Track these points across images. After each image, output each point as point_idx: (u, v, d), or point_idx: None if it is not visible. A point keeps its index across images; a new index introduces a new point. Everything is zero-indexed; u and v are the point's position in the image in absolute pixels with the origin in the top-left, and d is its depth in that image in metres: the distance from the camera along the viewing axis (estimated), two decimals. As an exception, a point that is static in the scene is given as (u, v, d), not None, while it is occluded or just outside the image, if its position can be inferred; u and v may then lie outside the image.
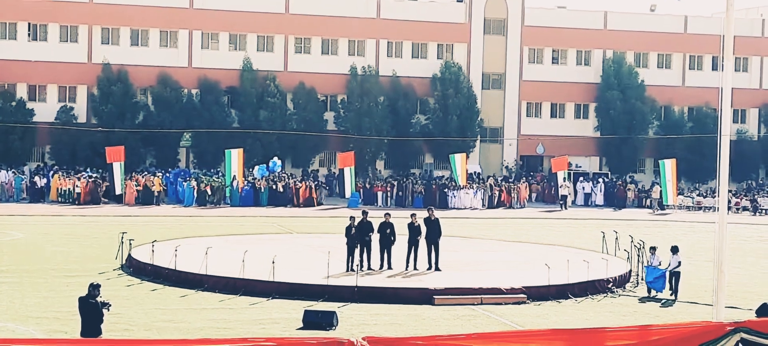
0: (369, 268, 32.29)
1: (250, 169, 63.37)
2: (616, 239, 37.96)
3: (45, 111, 66.26)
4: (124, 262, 33.56)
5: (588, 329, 14.46)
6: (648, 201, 67.05)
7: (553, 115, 76.42)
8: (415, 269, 32.80)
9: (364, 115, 68.94)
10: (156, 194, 59.57)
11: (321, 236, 43.11)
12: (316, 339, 12.42)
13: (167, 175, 63.69)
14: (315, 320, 25.03)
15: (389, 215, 33.88)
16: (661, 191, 66.55)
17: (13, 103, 65.39)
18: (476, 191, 64.51)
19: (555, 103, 76.34)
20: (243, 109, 68.57)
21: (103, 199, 58.39)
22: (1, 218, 48.66)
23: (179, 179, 62.42)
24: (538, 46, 75.46)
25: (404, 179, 65.92)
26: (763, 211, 67.05)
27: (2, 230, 43.75)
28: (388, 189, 64.31)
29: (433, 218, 33.47)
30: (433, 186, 65.13)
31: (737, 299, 29.16)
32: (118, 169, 56.80)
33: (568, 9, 78.09)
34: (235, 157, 58.94)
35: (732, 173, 69.82)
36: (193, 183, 60.25)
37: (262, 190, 61.18)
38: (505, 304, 28.86)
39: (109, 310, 19.81)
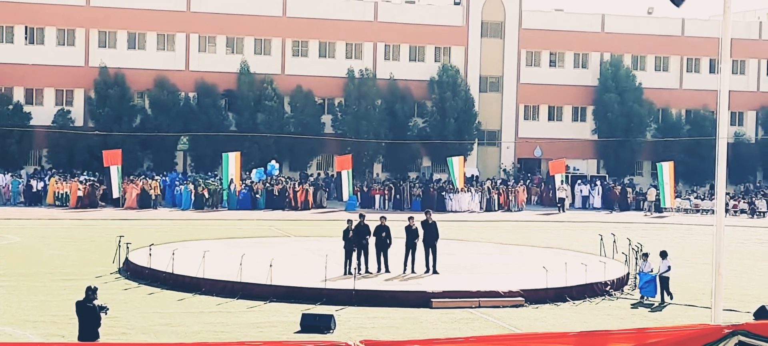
0: (367, 271, 32.27)
1: (248, 173, 63.33)
2: (614, 241, 37.95)
3: (42, 114, 66.21)
4: (121, 265, 33.52)
5: (586, 332, 14.45)
6: (645, 204, 67.04)
7: (550, 118, 76.44)
8: (412, 272, 32.78)
9: (361, 118, 68.94)
10: (153, 197, 59.52)
11: (318, 239, 43.08)
12: (313, 343, 12.41)
13: (164, 178, 63.67)
14: (313, 324, 25.01)
15: (385, 218, 33.90)
16: (656, 194, 66.86)
17: (10, 107, 65.32)
18: (474, 194, 64.49)
19: (552, 106, 76.35)
20: (240, 112, 68.54)
21: (100, 202, 58.33)
22: (-2, 222, 48.62)
23: (176, 183, 62.40)
24: (535, 49, 75.48)
25: (402, 182, 65.89)
26: (761, 213, 67.07)
27: (-1, 233, 43.73)
28: (386, 192, 64.29)
29: (430, 221, 33.47)
30: (431, 189, 65.12)
31: (735, 301, 29.15)
32: (115, 172, 56.83)
33: (566, 12, 78.12)
34: (232, 161, 58.96)
35: (729, 176, 70.16)
36: (191, 186, 60.22)
37: (260, 193, 61.15)
38: (503, 307, 28.84)
39: (106, 313, 19.78)
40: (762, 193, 72.95)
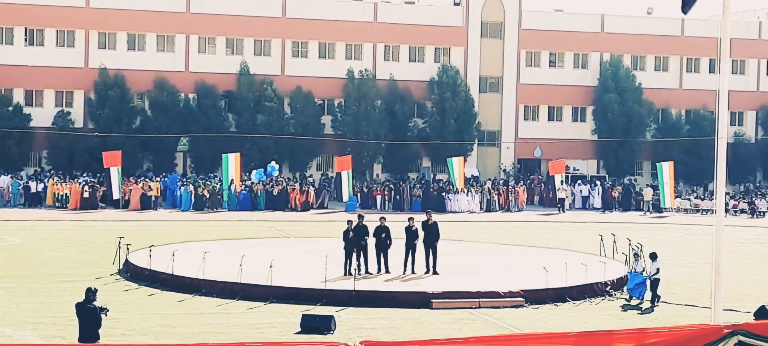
0: (366, 272, 32.25)
1: (248, 174, 63.33)
2: (614, 242, 37.95)
3: (42, 116, 66.20)
4: (121, 267, 33.53)
5: (586, 333, 14.45)
6: (644, 204, 67.10)
7: (550, 118, 76.44)
8: (412, 272, 32.79)
9: (361, 119, 68.95)
10: (153, 198, 59.53)
11: (318, 240, 43.08)
12: (313, 343, 12.40)
13: (164, 179, 63.69)
14: (313, 325, 25.00)
15: (384, 218, 33.90)
16: (653, 194, 67.01)
17: (10, 109, 65.31)
18: (474, 195, 64.49)
19: (552, 106, 76.35)
20: (240, 113, 68.55)
21: (100, 204, 58.34)
22: (-2, 223, 48.64)
23: (176, 184, 62.41)
24: (535, 49, 75.48)
25: (401, 183, 65.90)
26: (761, 213, 67.07)
27: (-1, 235, 43.73)
28: (386, 193, 64.29)
29: (431, 222, 33.47)
30: (431, 189, 65.12)
31: (735, 301, 29.14)
32: (115, 174, 56.83)
33: (566, 12, 78.12)
34: (232, 162, 58.98)
35: (729, 176, 70.42)
36: (190, 187, 60.24)
37: (259, 194, 61.18)
38: (503, 307, 28.84)
39: (106, 315, 19.77)
40: (762, 192, 72.96)
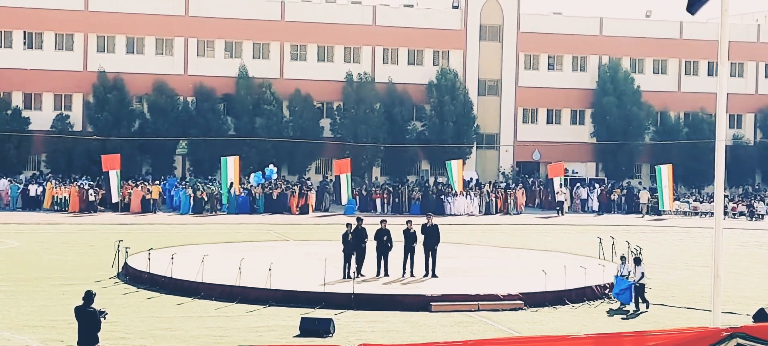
0: (358, 273, 32.10)
1: (246, 177, 63.32)
2: (613, 244, 37.96)
3: (40, 119, 66.17)
4: (120, 270, 33.53)
5: (585, 336, 14.46)
6: (642, 206, 67.19)
7: (549, 121, 76.45)
8: (411, 275, 32.80)
9: (360, 122, 68.94)
10: (151, 202, 59.51)
11: (317, 243, 43.08)
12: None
13: (164, 182, 63.71)
14: (312, 328, 25.01)
15: (385, 221, 33.89)
16: (649, 197, 67.20)
17: (9, 112, 65.26)
18: (473, 198, 64.50)
19: (551, 109, 76.34)
20: (239, 116, 68.53)
21: (99, 207, 58.34)
22: (-3, 227, 48.63)
23: (175, 187, 62.44)
24: (534, 52, 75.50)
25: (400, 186, 65.91)
26: (760, 216, 67.10)
27: (-2, 238, 43.72)
28: (385, 196, 64.30)
29: (430, 225, 33.47)
30: (430, 192, 65.13)
31: (734, 304, 29.16)
32: (114, 177, 56.79)
33: (564, 15, 78.14)
34: (231, 165, 58.95)
35: (728, 178, 70.54)
36: (189, 191, 60.25)
37: (258, 197, 61.20)
38: (502, 310, 28.85)
39: (105, 318, 19.76)
40: (761, 195, 73.00)
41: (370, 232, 33.27)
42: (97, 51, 67.91)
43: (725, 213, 60.02)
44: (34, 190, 60.13)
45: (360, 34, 71.89)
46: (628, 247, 35.47)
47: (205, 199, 59.93)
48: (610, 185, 72.01)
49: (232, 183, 59.29)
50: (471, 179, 69.73)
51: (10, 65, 66.18)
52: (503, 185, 69.79)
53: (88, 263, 36.27)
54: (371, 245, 33.16)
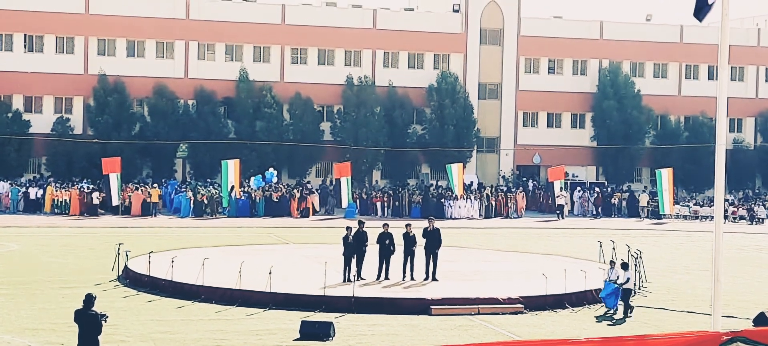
0: (358, 276, 32.05)
1: (247, 180, 63.32)
2: (613, 248, 37.95)
3: (41, 122, 66.19)
4: (120, 273, 33.53)
5: (586, 340, 14.43)
6: (645, 210, 67.21)
7: (549, 124, 76.45)
8: (411, 279, 32.79)
9: (360, 125, 68.94)
10: (152, 205, 59.50)
11: (317, 246, 43.08)
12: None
13: (165, 186, 63.73)
14: (312, 331, 25.00)
15: (388, 225, 33.89)
16: (649, 200, 67.27)
17: (10, 115, 65.29)
18: (473, 201, 64.49)
19: (551, 112, 76.37)
20: (239, 119, 68.54)
21: (100, 210, 58.33)
22: (-2, 230, 48.62)
23: (175, 190, 62.45)
24: (534, 56, 75.53)
25: (401, 189, 65.91)
26: (760, 220, 67.08)
27: (-2, 241, 43.71)
28: (385, 199, 64.30)
29: (432, 229, 33.46)
30: (431, 196, 65.13)
31: (734, 308, 29.15)
32: (114, 180, 56.78)
33: (564, 19, 78.14)
34: (231, 168, 58.93)
35: (728, 182, 70.51)
36: (189, 194, 60.25)
37: (258, 200, 61.19)
38: (502, 314, 28.84)
39: (105, 322, 19.74)
40: (761, 199, 72.97)
41: (372, 235, 33.26)
42: (97, 54, 67.92)
43: (725, 217, 60.03)
44: (34, 193, 60.11)
45: (360, 37, 71.92)
46: (629, 251, 35.46)
47: (206, 202, 59.93)
48: (610, 189, 71.99)
49: (232, 186, 59.28)
50: (471, 182, 69.75)
51: (10, 68, 66.22)
52: (504, 188, 69.77)
53: (89, 266, 36.27)
54: (373, 249, 33.16)
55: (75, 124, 67.09)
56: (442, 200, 64.08)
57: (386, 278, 32.73)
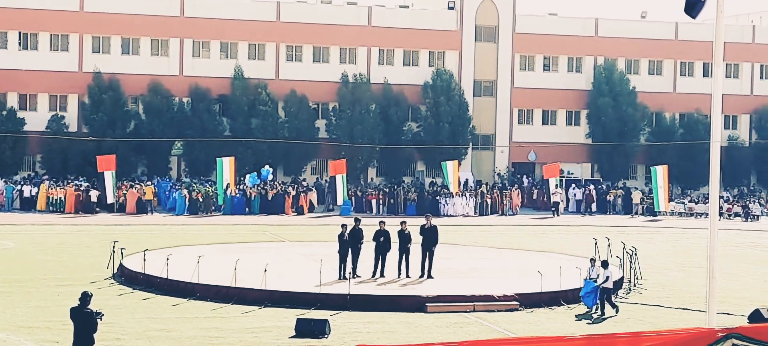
0: (353, 274, 32.03)
1: (242, 178, 63.28)
2: (609, 245, 37.96)
3: (36, 120, 66.11)
4: (115, 271, 33.50)
5: (581, 337, 14.47)
6: (640, 208, 67.27)
7: (544, 122, 76.47)
8: (407, 276, 32.80)
9: (355, 122, 68.93)
10: (147, 203, 59.46)
11: (313, 244, 43.08)
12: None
13: (159, 181, 63.69)
14: (307, 329, 25.01)
15: (384, 222, 33.90)
16: (642, 196, 67.37)
17: (4, 113, 65.21)
18: (468, 198, 64.51)
19: (546, 110, 76.38)
20: (234, 117, 68.50)
21: (96, 209, 58.26)
22: (-8, 228, 48.57)
23: (169, 188, 62.39)
24: (529, 53, 75.55)
25: (396, 187, 65.92)
26: (755, 217, 67.16)
27: (-7, 239, 43.68)
28: (381, 197, 64.30)
29: (429, 226, 33.46)
30: (426, 193, 65.15)
31: (729, 305, 29.20)
32: (109, 178, 56.66)
33: (559, 16, 78.16)
34: (226, 166, 58.85)
35: (723, 179, 70.58)
36: (185, 192, 60.21)
37: (253, 198, 61.16)
38: (498, 311, 28.86)
39: (101, 319, 19.74)
40: (756, 196, 73.08)
41: (367, 233, 33.26)
42: (92, 52, 67.84)
43: (720, 214, 60.03)
44: (28, 191, 60.05)
45: (355, 34, 71.89)
46: (624, 248, 35.50)
47: (201, 200, 59.89)
48: (606, 186, 72.06)
49: (228, 184, 59.23)
50: (467, 179, 69.78)
51: (5, 66, 66.13)
52: (499, 185, 69.80)
53: (84, 264, 36.25)
54: (369, 246, 33.17)
55: (70, 121, 67.01)
56: (437, 198, 64.09)
57: (382, 275, 32.74)
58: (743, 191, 76.12)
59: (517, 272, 35.17)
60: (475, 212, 64.21)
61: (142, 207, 58.91)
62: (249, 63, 69.85)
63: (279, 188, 63.10)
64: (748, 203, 69.57)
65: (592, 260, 30.63)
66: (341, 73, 70.82)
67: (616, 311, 29.04)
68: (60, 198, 58.71)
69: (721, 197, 65.49)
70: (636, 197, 68.01)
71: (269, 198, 61.43)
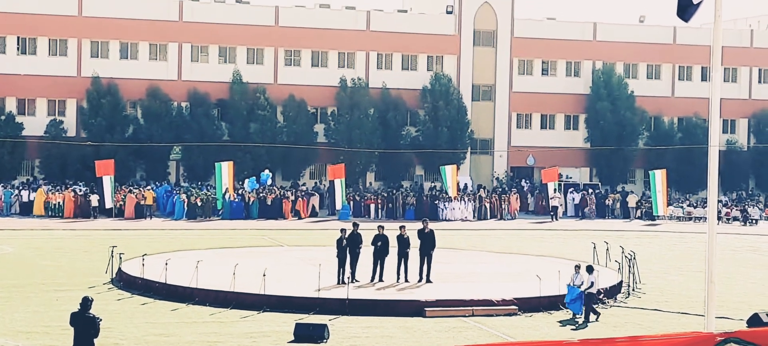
0: (352, 278, 31.99)
1: (241, 182, 63.28)
2: (607, 249, 37.99)
3: (34, 125, 66.10)
4: (114, 276, 33.49)
5: (579, 341, 14.45)
6: (639, 212, 67.31)
7: (543, 126, 76.49)
8: (405, 280, 32.79)
9: (354, 127, 68.93)
10: (146, 207, 59.45)
11: (311, 248, 43.06)
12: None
13: (158, 186, 63.69)
14: (306, 333, 24.99)
15: (383, 227, 33.89)
16: (638, 200, 67.46)
17: (3, 117, 65.19)
18: (467, 203, 64.50)
19: (545, 114, 76.41)
20: (233, 122, 68.49)
21: (95, 214, 58.27)
22: (-9, 233, 48.54)
23: (167, 193, 62.38)
24: (527, 57, 75.57)
25: (394, 191, 65.92)
26: (753, 221, 67.16)
27: (-8, 244, 43.64)
28: (379, 201, 64.30)
29: (427, 230, 33.45)
30: (425, 198, 65.15)
31: (728, 309, 29.18)
32: (108, 182, 56.73)
33: (558, 20, 78.18)
34: (225, 170, 58.91)
35: (722, 184, 70.55)
36: (183, 196, 60.19)
37: (252, 203, 61.16)
38: (497, 316, 28.85)
39: (99, 324, 19.73)
40: (754, 200, 73.08)
41: (366, 237, 33.26)
42: (90, 56, 67.82)
43: (719, 218, 60.10)
44: (27, 196, 60.04)
45: (354, 39, 71.92)
46: (623, 252, 35.49)
47: (199, 204, 59.88)
48: (604, 191, 72.07)
49: (226, 189, 59.26)
50: (465, 184, 69.78)
51: (3, 71, 66.14)
52: (498, 190, 69.79)
53: (82, 269, 36.22)
54: (368, 251, 33.16)
55: (68, 126, 66.99)
56: (436, 202, 64.09)
57: (380, 279, 32.72)
58: (742, 195, 76.15)
59: (516, 276, 35.17)
60: (474, 217, 64.21)
61: (140, 212, 58.90)
62: (247, 68, 69.86)
63: (277, 192, 63.08)
64: (746, 206, 69.57)
65: (577, 267, 30.08)
66: (340, 78, 70.83)
67: (597, 318, 28.78)
68: (59, 203, 58.69)
69: (719, 201, 65.53)
70: (632, 200, 68.07)
71: (268, 203, 61.41)
